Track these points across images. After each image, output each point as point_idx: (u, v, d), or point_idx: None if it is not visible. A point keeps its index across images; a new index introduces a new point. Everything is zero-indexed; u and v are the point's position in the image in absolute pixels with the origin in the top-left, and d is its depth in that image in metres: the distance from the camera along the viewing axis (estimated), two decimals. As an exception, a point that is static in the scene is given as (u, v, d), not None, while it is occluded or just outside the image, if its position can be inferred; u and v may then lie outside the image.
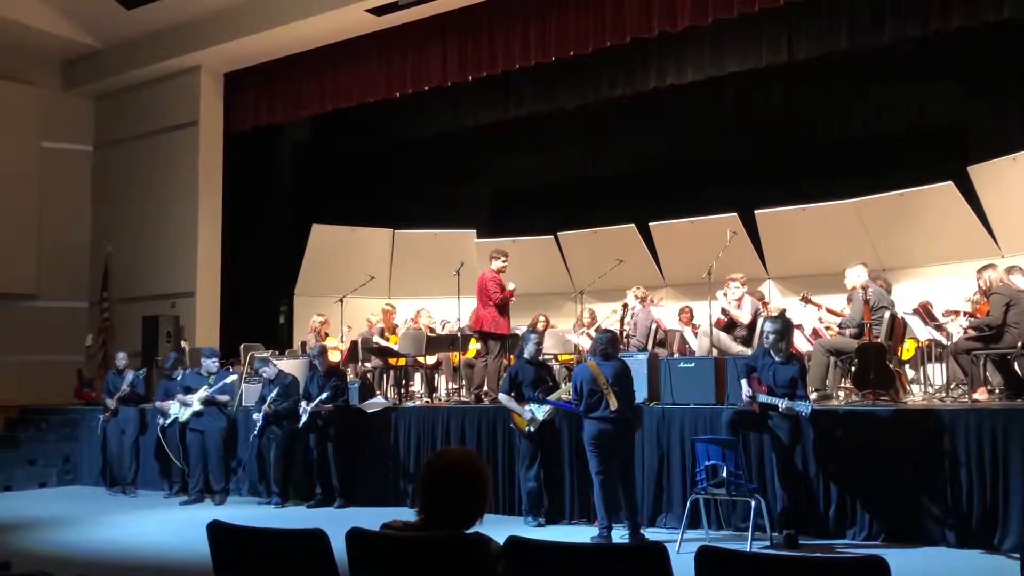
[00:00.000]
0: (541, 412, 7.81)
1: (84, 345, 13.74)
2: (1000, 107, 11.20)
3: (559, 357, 10.68)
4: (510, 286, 9.49)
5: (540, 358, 8.42)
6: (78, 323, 14.14)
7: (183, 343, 12.38)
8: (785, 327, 7.01)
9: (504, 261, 9.58)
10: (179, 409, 9.91)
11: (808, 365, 7.86)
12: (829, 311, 9.10)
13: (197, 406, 9.81)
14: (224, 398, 9.96)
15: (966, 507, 6.50)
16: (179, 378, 10.25)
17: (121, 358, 10.94)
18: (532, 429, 7.83)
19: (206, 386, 9.86)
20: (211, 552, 3.21)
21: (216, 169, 13.68)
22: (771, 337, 6.88)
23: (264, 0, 12.19)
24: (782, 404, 6.60)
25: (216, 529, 3.19)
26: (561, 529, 7.77)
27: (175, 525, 8.44)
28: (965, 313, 8.20)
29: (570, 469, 8.11)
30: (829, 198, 11.34)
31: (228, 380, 10.05)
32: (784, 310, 9.37)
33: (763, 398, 6.73)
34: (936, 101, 11.77)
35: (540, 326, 10.96)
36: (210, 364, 10.15)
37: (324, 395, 9.13)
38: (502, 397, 8.09)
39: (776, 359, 6.86)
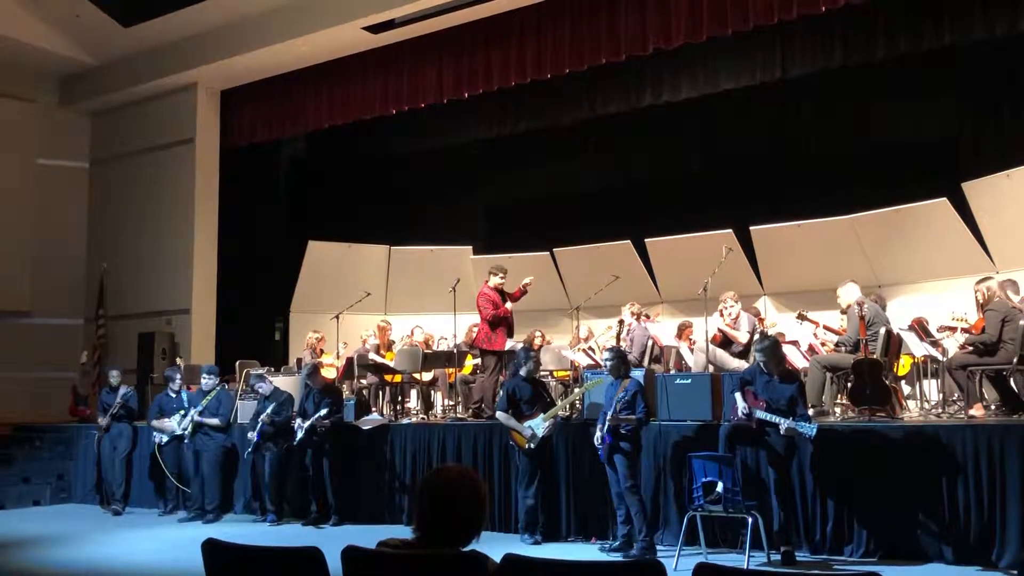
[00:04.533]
0: (541, 429, 7.78)
1: (79, 362, 13.69)
2: (994, 123, 11.25)
3: (555, 373, 10.66)
4: (526, 280, 9.44)
5: (537, 375, 8.41)
6: (73, 340, 14.11)
7: (178, 360, 12.35)
8: (773, 347, 6.98)
9: (502, 278, 9.54)
10: (176, 427, 9.88)
11: (804, 381, 7.86)
12: (827, 328, 9.11)
13: (177, 430, 9.81)
14: (214, 421, 9.84)
15: (963, 523, 6.49)
16: (174, 395, 10.19)
17: (114, 376, 10.86)
18: (532, 446, 7.80)
19: (194, 408, 9.84)
20: (205, 570, 3.18)
21: (212, 186, 13.69)
22: (763, 365, 6.89)
23: (261, 18, 12.23)
24: (783, 424, 6.55)
25: (211, 547, 3.17)
26: (558, 547, 7.73)
27: (170, 543, 8.39)
28: (962, 330, 8.21)
29: (566, 486, 8.09)
30: (824, 214, 11.38)
31: (206, 400, 9.90)
32: (764, 331, 9.36)
33: (761, 414, 6.70)
34: (930, 118, 11.83)
35: (536, 342, 10.95)
36: (209, 381, 10.08)
37: (323, 411, 9.09)
38: (500, 415, 8.05)
39: (773, 377, 6.86)
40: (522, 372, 8.06)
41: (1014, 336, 7.46)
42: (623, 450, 7.14)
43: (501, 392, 8.39)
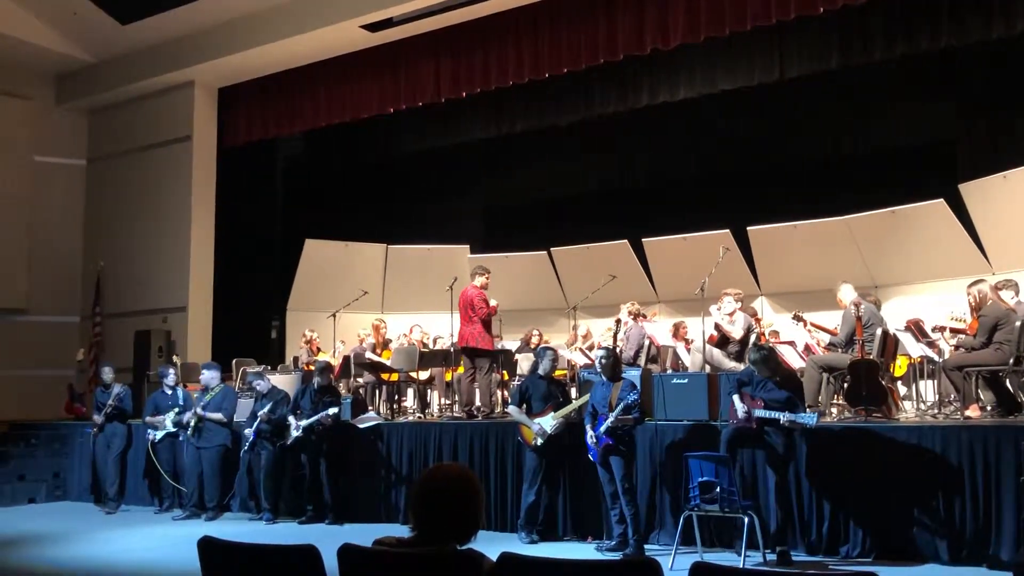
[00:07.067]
0: (550, 427, 7.78)
1: (75, 360, 13.67)
2: (991, 125, 11.28)
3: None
4: (492, 302, 9.49)
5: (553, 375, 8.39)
6: (69, 338, 14.07)
7: (175, 358, 12.34)
8: (765, 357, 6.96)
9: (487, 277, 9.58)
10: (169, 424, 9.88)
11: (802, 381, 7.86)
12: (815, 326, 9.12)
13: (170, 427, 9.82)
14: (217, 416, 9.81)
15: (959, 524, 6.50)
16: (170, 392, 10.19)
17: (107, 372, 10.81)
18: (539, 442, 7.80)
19: (198, 404, 9.82)
20: (201, 569, 3.18)
21: (209, 184, 13.67)
22: (757, 375, 6.91)
23: (259, 16, 12.21)
24: (783, 417, 6.58)
25: (207, 545, 3.17)
26: (555, 546, 7.73)
27: (166, 541, 8.38)
28: (952, 330, 8.24)
29: (563, 486, 8.09)
30: (821, 215, 11.40)
31: (210, 396, 9.83)
32: (760, 335, 9.37)
33: (760, 412, 6.71)
34: (927, 119, 11.86)
35: (533, 342, 10.96)
36: (211, 377, 10.04)
37: (334, 410, 9.02)
38: (512, 409, 8.07)
39: (771, 378, 6.85)
40: (539, 370, 8.08)
41: (1010, 338, 7.47)
42: (621, 451, 7.14)
43: (514, 387, 8.38)
